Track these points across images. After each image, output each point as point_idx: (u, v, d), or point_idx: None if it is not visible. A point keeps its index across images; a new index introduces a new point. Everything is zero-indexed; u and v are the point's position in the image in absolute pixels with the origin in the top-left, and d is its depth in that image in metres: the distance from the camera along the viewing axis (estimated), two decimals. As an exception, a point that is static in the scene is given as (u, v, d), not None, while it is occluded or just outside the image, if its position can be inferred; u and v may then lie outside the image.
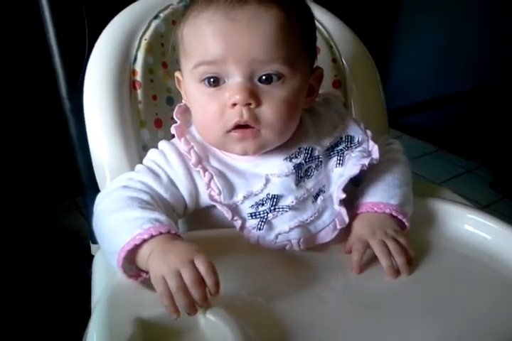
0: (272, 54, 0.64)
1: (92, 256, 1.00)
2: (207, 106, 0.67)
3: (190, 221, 0.75)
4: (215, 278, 0.55)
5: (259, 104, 0.65)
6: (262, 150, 0.70)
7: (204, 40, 0.65)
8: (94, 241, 0.99)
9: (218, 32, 0.64)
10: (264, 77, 0.65)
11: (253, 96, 0.64)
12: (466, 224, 0.76)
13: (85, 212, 1.70)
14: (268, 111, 0.66)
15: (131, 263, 0.61)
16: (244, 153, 0.70)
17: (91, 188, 0.95)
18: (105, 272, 0.68)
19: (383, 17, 2.50)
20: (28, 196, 1.81)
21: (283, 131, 0.69)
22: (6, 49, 1.64)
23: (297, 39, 0.67)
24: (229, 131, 0.67)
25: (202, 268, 0.55)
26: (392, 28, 2.60)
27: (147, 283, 0.60)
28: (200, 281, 0.55)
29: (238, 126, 0.67)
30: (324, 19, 0.99)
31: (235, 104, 0.65)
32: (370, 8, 2.33)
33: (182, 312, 0.55)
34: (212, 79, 0.66)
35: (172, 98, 0.88)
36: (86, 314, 0.96)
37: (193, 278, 0.54)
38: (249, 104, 0.64)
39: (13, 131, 1.76)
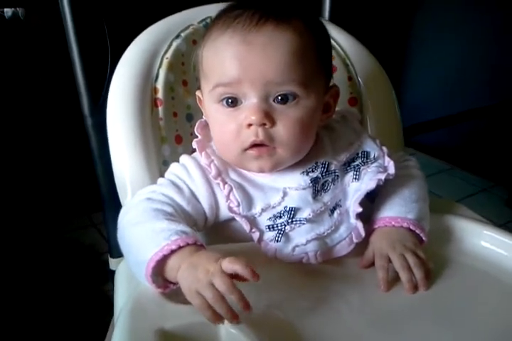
0: (287, 76, 0.66)
1: (109, 271, 1.01)
2: (225, 126, 0.70)
3: (209, 234, 0.77)
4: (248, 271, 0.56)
5: (273, 124, 0.67)
6: (278, 167, 0.72)
7: (222, 62, 0.67)
8: (113, 256, 1.00)
9: (235, 55, 0.66)
10: (279, 98, 0.67)
11: (267, 117, 0.66)
12: (483, 240, 0.76)
13: (103, 227, 1.71)
14: (282, 130, 0.68)
15: (157, 274, 0.62)
16: (261, 171, 0.72)
17: (110, 203, 0.96)
18: (128, 284, 0.69)
19: (395, 34, 2.52)
20: (45, 212, 1.83)
21: (298, 149, 0.71)
22: (29, 66, 1.68)
23: (312, 60, 0.69)
24: (246, 149, 0.69)
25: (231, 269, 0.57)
26: (405, 44, 2.61)
27: (170, 295, 0.61)
28: (233, 286, 0.56)
29: (255, 145, 0.69)
30: (340, 38, 1.01)
31: (250, 125, 0.67)
32: (382, 26, 2.35)
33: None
34: (230, 100, 0.68)
35: (191, 115, 0.90)
36: (103, 328, 0.97)
37: (225, 285, 0.56)
38: (264, 124, 0.67)
39: (31, 149, 1.79)
